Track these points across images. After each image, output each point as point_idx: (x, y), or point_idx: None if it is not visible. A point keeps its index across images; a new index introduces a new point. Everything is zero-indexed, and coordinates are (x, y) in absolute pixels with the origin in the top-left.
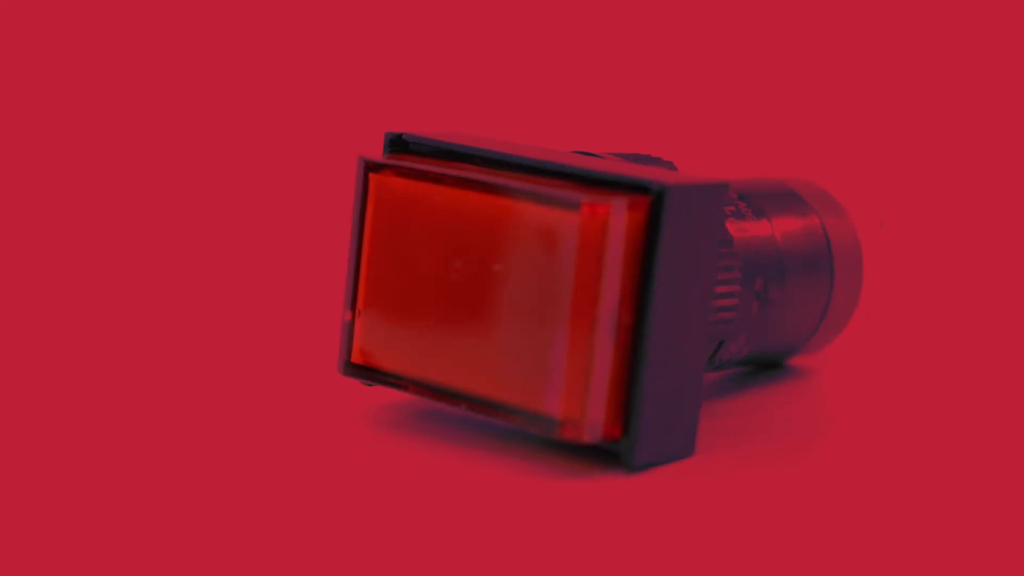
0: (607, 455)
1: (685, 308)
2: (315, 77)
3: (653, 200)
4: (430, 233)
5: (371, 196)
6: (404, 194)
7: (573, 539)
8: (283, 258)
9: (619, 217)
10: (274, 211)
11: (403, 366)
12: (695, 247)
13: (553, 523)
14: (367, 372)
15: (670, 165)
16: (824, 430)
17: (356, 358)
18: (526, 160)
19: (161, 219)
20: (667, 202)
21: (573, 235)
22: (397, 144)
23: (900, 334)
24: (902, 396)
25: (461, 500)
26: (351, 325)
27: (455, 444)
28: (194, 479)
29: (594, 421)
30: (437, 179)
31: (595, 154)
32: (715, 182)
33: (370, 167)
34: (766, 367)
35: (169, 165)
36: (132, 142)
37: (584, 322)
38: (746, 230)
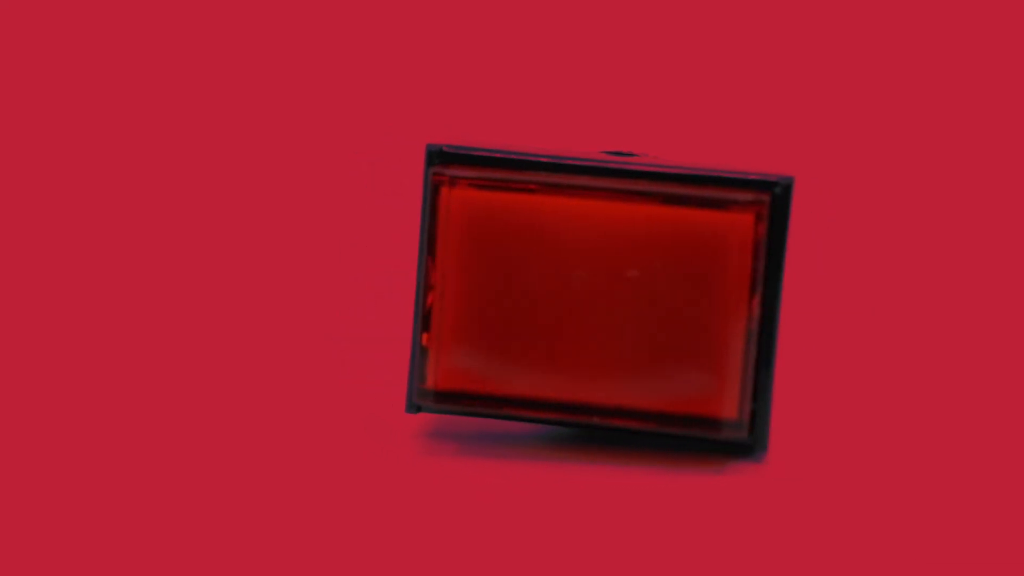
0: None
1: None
2: (307, 81)
3: (777, 195)
4: (540, 245)
5: (451, 213)
6: (495, 208)
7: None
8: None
9: (765, 213)
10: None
11: (511, 387)
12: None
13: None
14: (454, 399)
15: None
16: (824, 431)
17: (442, 384)
18: (609, 163)
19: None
20: (790, 197)
21: (729, 234)
22: (441, 157)
23: (899, 333)
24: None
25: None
26: (425, 351)
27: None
28: (193, 480)
29: (747, 419)
30: (534, 189)
31: (628, 152)
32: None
33: (444, 182)
34: None
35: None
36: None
37: (739, 320)
38: None
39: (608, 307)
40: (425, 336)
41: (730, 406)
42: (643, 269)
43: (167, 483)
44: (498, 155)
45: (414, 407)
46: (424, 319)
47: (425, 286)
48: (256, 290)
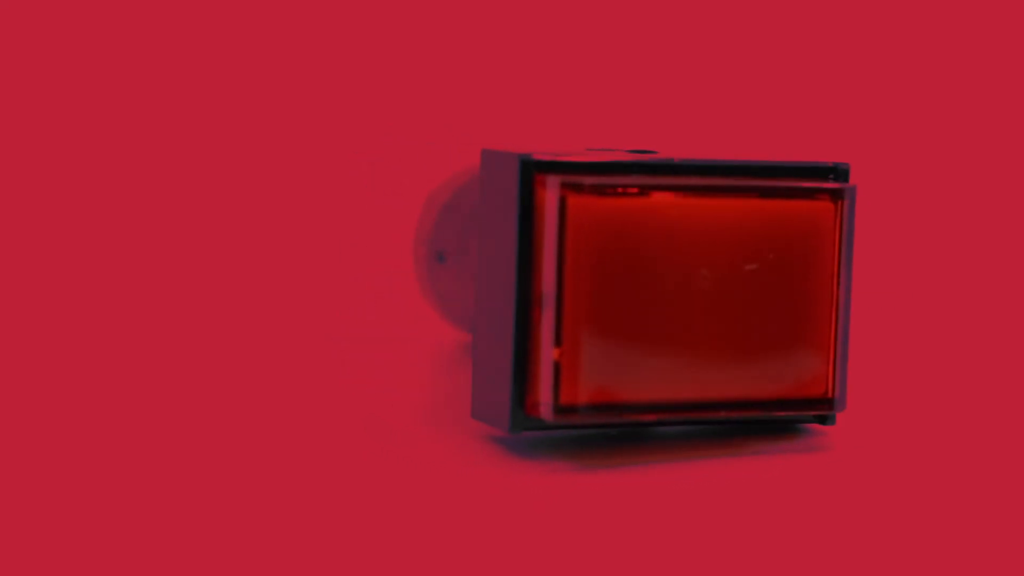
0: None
1: None
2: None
3: (844, 180)
4: (663, 247)
5: (579, 223)
6: (616, 213)
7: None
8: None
9: (841, 197)
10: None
11: (644, 392)
12: None
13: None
14: (596, 410)
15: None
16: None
17: (583, 397)
18: (709, 162)
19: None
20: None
21: (818, 220)
22: (534, 167)
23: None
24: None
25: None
26: (559, 366)
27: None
28: (192, 480)
29: (842, 394)
30: (644, 192)
31: (651, 151)
32: None
33: (572, 188)
34: None
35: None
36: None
37: (831, 301)
38: None
39: (730, 302)
40: (557, 351)
41: (831, 384)
42: (755, 261)
43: (166, 482)
44: (616, 162)
45: (526, 424)
46: (556, 334)
47: (554, 299)
48: (257, 290)
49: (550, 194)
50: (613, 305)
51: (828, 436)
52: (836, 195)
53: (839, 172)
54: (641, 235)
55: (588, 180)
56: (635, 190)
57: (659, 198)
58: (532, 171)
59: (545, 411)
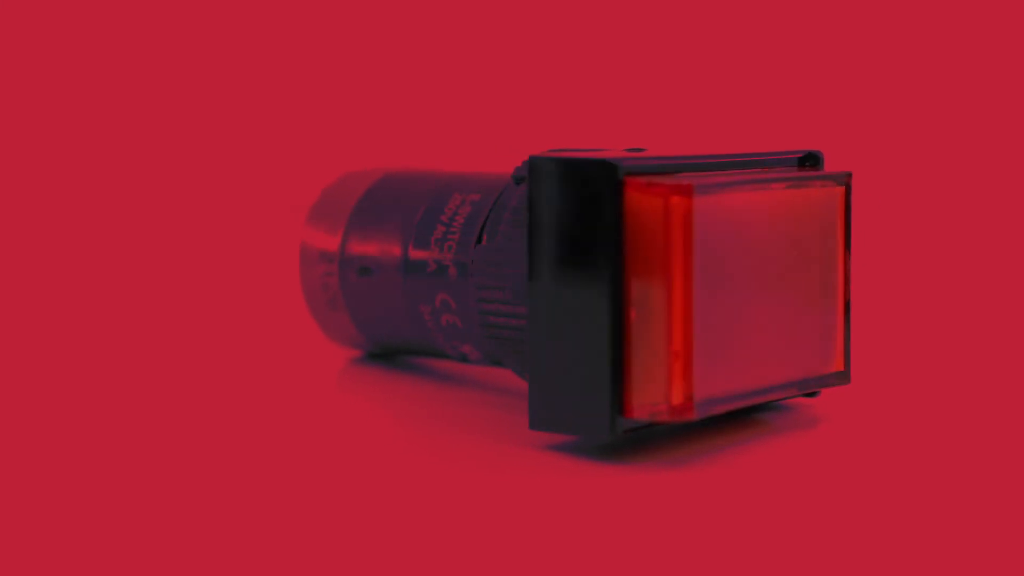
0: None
1: None
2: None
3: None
4: (740, 240)
5: (685, 222)
6: (707, 211)
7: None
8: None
9: (847, 183)
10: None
11: (739, 382)
12: None
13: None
14: (706, 405)
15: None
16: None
17: (699, 393)
18: (754, 156)
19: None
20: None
21: (836, 205)
22: (625, 172)
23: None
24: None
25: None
26: (672, 365)
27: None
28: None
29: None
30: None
31: (641, 148)
32: None
33: (673, 191)
34: None
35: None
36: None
37: (842, 280)
38: None
39: (787, 288)
40: (672, 352)
41: (843, 358)
42: (800, 248)
43: (166, 483)
44: (690, 161)
45: (624, 427)
46: (670, 335)
47: (665, 301)
48: (257, 289)
49: (652, 198)
50: (711, 301)
51: (818, 409)
52: (842, 180)
53: (817, 159)
54: (722, 231)
55: (688, 181)
56: (713, 187)
57: (726, 195)
58: (623, 175)
59: (661, 412)
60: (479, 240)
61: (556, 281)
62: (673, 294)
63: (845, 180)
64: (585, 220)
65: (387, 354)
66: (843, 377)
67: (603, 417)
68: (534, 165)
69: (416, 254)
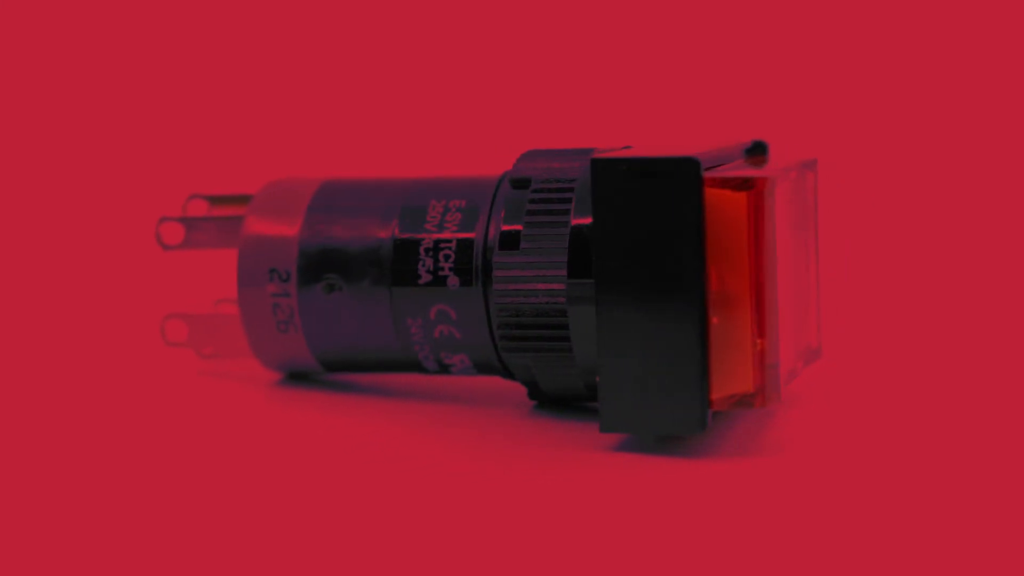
0: None
1: None
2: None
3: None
4: (785, 228)
5: (764, 216)
6: (770, 203)
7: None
8: None
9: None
10: None
11: (792, 360)
12: None
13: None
14: (781, 386)
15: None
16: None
17: (783, 378)
18: (752, 145)
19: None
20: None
21: (815, 190)
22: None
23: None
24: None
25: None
26: (763, 354)
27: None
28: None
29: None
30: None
31: (628, 146)
32: None
33: (743, 187)
34: None
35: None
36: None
37: (815, 260)
38: None
39: (802, 269)
40: (760, 342)
41: (816, 334)
42: (801, 229)
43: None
44: (739, 152)
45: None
46: (760, 325)
47: (754, 293)
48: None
49: (732, 192)
50: (779, 288)
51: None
52: (812, 167)
53: (764, 147)
54: (779, 218)
55: (761, 172)
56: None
57: (786, 181)
58: (702, 173)
59: (761, 398)
60: (487, 247)
61: (634, 283)
62: (754, 284)
63: (815, 167)
64: (667, 220)
65: (330, 372)
66: (819, 352)
67: (695, 412)
68: (601, 167)
69: (402, 267)
